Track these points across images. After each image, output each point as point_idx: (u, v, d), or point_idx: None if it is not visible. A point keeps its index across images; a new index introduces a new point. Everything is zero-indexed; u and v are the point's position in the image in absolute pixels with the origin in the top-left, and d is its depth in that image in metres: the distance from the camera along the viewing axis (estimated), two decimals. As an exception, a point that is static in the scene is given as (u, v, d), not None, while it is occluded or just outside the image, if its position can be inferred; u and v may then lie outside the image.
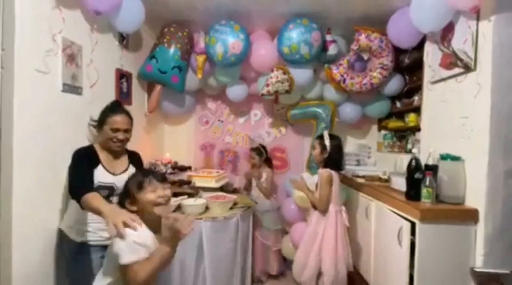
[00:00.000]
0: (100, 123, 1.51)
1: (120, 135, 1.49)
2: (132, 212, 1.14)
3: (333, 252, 1.88)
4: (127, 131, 1.53)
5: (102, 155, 1.50)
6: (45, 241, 1.47)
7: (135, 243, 1.03)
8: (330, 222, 1.92)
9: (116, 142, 1.49)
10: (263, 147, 2.80)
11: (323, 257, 1.90)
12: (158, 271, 1.08)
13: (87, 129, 1.73)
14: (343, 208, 2.01)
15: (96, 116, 1.56)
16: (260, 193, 2.67)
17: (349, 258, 1.95)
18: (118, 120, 1.49)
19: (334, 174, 1.94)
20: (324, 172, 1.94)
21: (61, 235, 1.50)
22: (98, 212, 1.18)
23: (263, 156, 2.72)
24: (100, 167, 1.46)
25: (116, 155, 1.54)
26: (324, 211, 1.94)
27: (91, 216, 1.42)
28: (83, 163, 1.41)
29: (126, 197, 1.18)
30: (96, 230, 1.45)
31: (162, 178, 1.23)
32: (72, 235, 1.45)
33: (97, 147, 1.51)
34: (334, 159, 1.97)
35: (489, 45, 1.49)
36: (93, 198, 1.25)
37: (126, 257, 1.02)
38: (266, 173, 2.69)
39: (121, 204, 1.19)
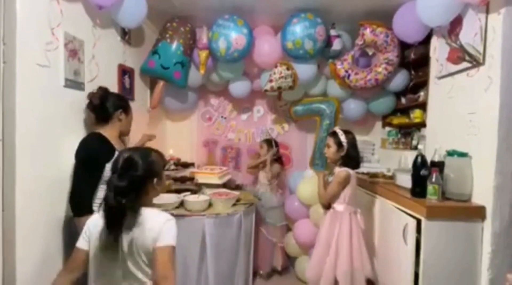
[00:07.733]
0: (127, 113, 1.76)
1: None
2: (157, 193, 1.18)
3: (348, 258, 1.74)
4: None
5: (113, 140, 1.66)
6: (49, 236, 1.46)
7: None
8: (344, 225, 1.77)
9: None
10: (275, 141, 2.76)
11: (338, 263, 1.76)
12: None
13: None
14: (358, 210, 1.85)
15: None
16: (267, 189, 2.66)
17: (368, 264, 1.79)
18: None
19: (352, 174, 1.80)
20: (342, 171, 1.78)
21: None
22: None
23: (272, 148, 2.68)
24: (117, 152, 1.69)
25: (121, 139, 1.81)
26: (323, 206, 1.91)
27: None
28: (90, 172, 1.51)
29: (154, 176, 1.14)
30: None
31: None
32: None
33: (108, 134, 1.63)
34: (352, 156, 1.82)
35: (498, 39, 1.46)
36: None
37: (171, 240, 1.05)
38: (274, 168, 2.67)
39: (144, 183, 1.11)
